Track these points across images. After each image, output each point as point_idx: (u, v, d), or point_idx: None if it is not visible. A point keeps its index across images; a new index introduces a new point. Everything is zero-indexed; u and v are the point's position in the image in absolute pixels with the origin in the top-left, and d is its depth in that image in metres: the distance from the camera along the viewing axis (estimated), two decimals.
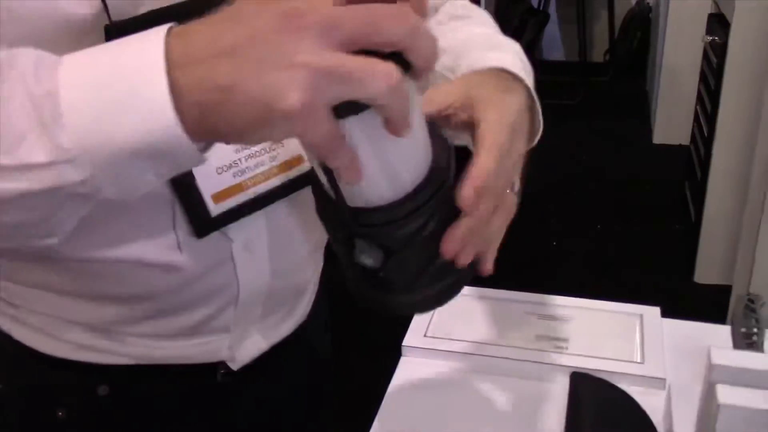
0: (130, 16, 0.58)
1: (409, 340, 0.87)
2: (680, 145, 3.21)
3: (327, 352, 0.90)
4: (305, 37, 0.43)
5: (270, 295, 0.74)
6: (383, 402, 0.80)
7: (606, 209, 3.04)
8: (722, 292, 2.32)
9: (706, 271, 2.51)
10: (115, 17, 0.57)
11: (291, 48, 0.43)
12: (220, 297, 0.71)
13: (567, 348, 0.84)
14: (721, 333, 0.84)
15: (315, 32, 0.43)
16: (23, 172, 0.46)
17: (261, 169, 0.69)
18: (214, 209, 0.66)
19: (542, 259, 2.67)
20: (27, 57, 0.47)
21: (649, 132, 3.66)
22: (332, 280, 0.84)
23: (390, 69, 0.43)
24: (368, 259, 0.53)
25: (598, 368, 0.81)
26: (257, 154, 0.69)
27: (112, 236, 0.64)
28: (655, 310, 0.92)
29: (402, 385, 0.82)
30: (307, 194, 0.59)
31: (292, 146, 0.70)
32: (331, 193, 0.51)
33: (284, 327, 0.79)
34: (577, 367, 0.81)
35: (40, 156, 0.45)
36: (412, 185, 0.51)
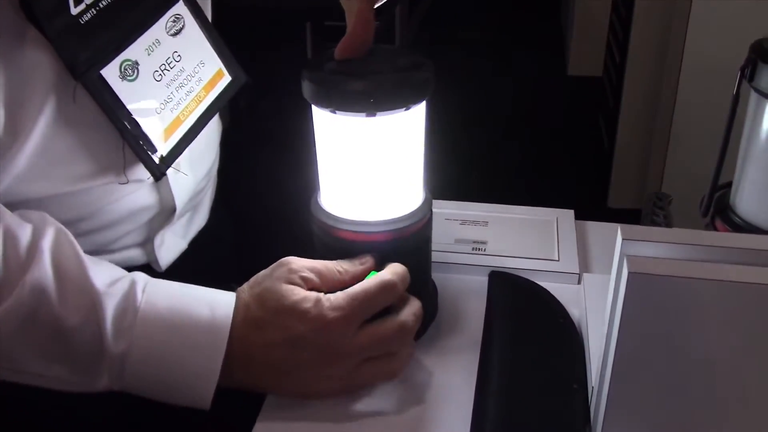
0: None
1: None
2: (594, 77, 3.27)
3: (229, 237, 0.95)
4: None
5: (190, 198, 0.75)
6: None
7: (521, 137, 3.10)
8: (634, 214, 2.40)
9: (619, 197, 2.59)
10: None
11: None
12: (150, 213, 0.72)
13: (485, 250, 0.86)
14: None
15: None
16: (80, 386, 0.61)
17: (191, 95, 0.70)
18: (164, 149, 0.67)
19: (468, 174, 2.69)
20: (108, 307, 0.58)
21: (563, 65, 3.72)
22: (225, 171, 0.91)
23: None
24: None
25: (515, 267, 0.83)
26: (186, 81, 0.69)
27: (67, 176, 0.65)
28: (569, 213, 0.95)
29: None
30: None
31: (213, 64, 0.72)
32: None
33: (197, 222, 0.81)
34: (495, 267, 0.83)
35: (99, 385, 0.60)
36: None
